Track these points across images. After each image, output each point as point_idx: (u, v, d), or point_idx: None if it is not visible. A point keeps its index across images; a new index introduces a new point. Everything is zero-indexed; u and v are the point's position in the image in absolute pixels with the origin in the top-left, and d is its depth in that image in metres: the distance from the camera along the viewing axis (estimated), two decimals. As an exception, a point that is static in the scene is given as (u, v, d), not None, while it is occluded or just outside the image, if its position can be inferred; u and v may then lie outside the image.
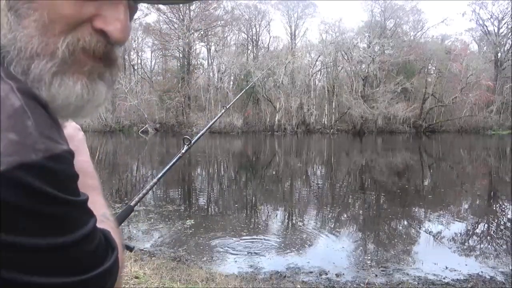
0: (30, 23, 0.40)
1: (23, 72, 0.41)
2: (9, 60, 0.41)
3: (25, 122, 0.35)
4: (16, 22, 0.40)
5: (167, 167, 1.24)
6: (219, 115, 1.92)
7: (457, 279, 4.57)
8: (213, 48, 43.84)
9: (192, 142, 1.34)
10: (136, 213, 7.51)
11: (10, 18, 0.40)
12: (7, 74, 0.38)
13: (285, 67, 38.36)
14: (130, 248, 1.03)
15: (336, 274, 4.67)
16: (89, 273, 0.40)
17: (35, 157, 0.35)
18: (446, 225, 7.25)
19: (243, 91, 4.24)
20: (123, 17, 0.45)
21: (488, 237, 6.61)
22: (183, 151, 1.31)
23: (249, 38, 46.63)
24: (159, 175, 1.23)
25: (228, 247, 5.67)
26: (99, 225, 0.44)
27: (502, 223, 7.64)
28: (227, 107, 2.07)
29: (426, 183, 12.71)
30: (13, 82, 0.37)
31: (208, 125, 1.68)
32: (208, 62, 44.02)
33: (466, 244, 6.12)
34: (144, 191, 1.15)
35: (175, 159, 1.26)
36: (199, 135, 1.49)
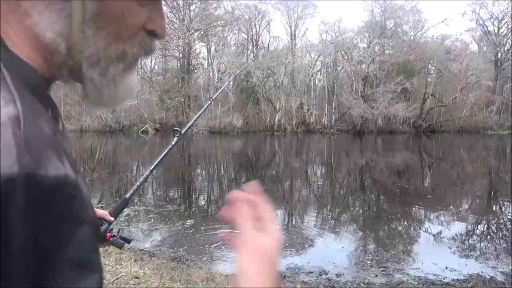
0: (108, 34, 0.47)
1: (101, 74, 0.49)
2: (91, 66, 0.48)
3: (14, 131, 0.34)
4: (96, 33, 0.46)
5: (159, 158, 1.32)
6: (205, 106, 1.97)
7: (457, 279, 4.56)
8: (213, 48, 43.90)
9: (182, 132, 1.40)
10: (136, 213, 7.51)
11: (92, 30, 0.46)
12: (18, 85, 0.39)
13: (285, 67, 38.37)
14: (127, 241, 1.04)
15: (336, 274, 4.67)
16: None
17: (15, 170, 0.33)
18: (446, 225, 7.25)
19: (226, 84, 4.25)
20: (163, 15, 0.52)
21: (488, 237, 6.61)
22: (173, 142, 1.36)
23: (249, 38, 46.68)
24: (151, 167, 1.30)
25: (228, 247, 5.66)
26: None
27: (502, 223, 7.64)
28: (213, 98, 2.16)
29: (426, 183, 12.71)
30: (18, 93, 0.37)
31: (195, 117, 1.76)
32: (208, 62, 44.07)
33: (466, 244, 6.12)
34: (138, 183, 1.21)
35: (167, 150, 1.33)
36: (187, 126, 1.55)
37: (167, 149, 1.33)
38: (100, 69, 0.48)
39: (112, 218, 1.00)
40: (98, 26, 0.46)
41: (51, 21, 0.44)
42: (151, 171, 1.30)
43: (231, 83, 42.27)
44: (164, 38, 0.52)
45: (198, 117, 1.83)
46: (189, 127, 1.58)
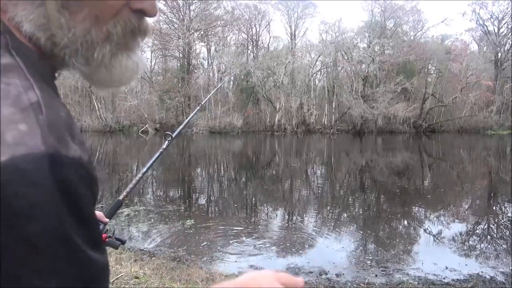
0: (84, 18, 0.45)
1: (87, 61, 0.48)
2: (71, 54, 0.46)
3: (38, 116, 0.37)
4: (71, 19, 0.44)
5: (151, 162, 1.34)
6: (194, 111, 2.01)
7: (457, 279, 4.56)
8: (213, 48, 43.87)
9: (173, 136, 1.43)
10: (136, 213, 7.51)
11: (65, 17, 0.44)
12: (32, 72, 0.41)
13: (285, 67, 38.35)
14: (122, 241, 1.05)
15: (336, 274, 4.67)
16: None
17: (42, 149, 0.36)
18: (446, 225, 7.25)
19: (213, 91, 4.20)
20: None
21: (488, 237, 6.61)
22: (164, 146, 1.39)
23: (249, 38, 46.64)
24: (143, 170, 1.34)
25: (228, 247, 5.67)
26: None
27: (502, 223, 7.64)
28: (202, 103, 2.19)
29: (426, 183, 12.71)
30: (34, 80, 0.40)
31: (185, 121, 1.80)
32: (208, 62, 44.04)
33: (466, 244, 6.12)
34: (131, 185, 1.24)
35: (158, 154, 1.37)
36: (177, 131, 1.60)
37: (159, 152, 1.37)
38: (83, 56, 0.47)
39: (107, 220, 1.00)
40: (72, 11, 0.44)
41: (26, 13, 0.43)
42: (143, 173, 1.34)
43: (231, 83, 42.28)
44: (155, 15, 0.51)
45: (188, 121, 1.87)
46: (179, 132, 1.61)
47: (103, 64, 0.48)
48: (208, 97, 2.81)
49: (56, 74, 0.51)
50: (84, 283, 0.38)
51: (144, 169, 1.34)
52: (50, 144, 0.36)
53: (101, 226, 0.94)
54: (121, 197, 1.19)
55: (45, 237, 0.35)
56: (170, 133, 1.42)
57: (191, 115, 1.92)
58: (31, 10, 0.43)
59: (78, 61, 0.47)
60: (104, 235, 0.94)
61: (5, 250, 0.33)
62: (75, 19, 0.44)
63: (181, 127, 1.67)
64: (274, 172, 14.99)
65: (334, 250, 5.63)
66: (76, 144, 0.40)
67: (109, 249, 1.08)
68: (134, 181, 1.28)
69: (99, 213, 0.96)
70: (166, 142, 1.40)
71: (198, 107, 2.08)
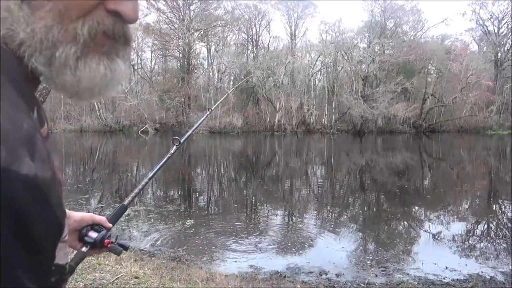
0: (46, 14, 0.41)
1: (47, 61, 0.43)
2: (30, 53, 0.41)
3: None
4: (31, 14, 0.41)
5: (158, 166, 1.32)
6: (204, 117, 1.96)
7: (457, 279, 4.56)
8: (213, 48, 43.89)
9: (182, 141, 1.38)
10: (136, 213, 7.51)
11: (25, 12, 0.40)
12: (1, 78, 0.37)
13: (285, 67, 38.34)
14: (125, 248, 1.05)
15: (336, 274, 4.67)
16: None
17: None
18: (446, 225, 7.25)
19: (226, 95, 4.19)
20: None
21: (488, 237, 6.61)
22: (172, 151, 1.36)
23: (249, 38, 46.64)
24: (150, 175, 1.30)
25: (228, 247, 5.67)
26: None
27: (502, 223, 7.64)
28: (212, 109, 2.12)
29: (426, 183, 12.71)
30: None
31: (194, 127, 1.74)
32: (208, 62, 44.06)
33: (466, 244, 6.12)
34: (136, 190, 1.21)
35: (165, 159, 1.34)
36: (186, 136, 1.55)
37: (166, 157, 1.34)
38: (44, 55, 0.42)
39: (110, 225, 1.00)
40: (34, 5, 0.40)
41: None
42: (150, 178, 1.30)
43: (231, 83, 42.27)
44: (134, 21, 0.47)
45: (198, 126, 1.82)
46: (188, 137, 1.58)
47: (68, 66, 0.44)
48: (218, 103, 2.78)
49: (41, 78, 0.47)
50: None
51: (151, 174, 1.31)
52: (1, 158, 0.33)
53: (104, 232, 0.93)
54: (126, 202, 1.16)
55: None
56: (178, 138, 1.38)
57: (201, 120, 1.85)
58: None
59: (38, 60, 0.42)
60: (106, 241, 0.93)
61: None
62: (35, 14, 0.41)
63: (190, 132, 1.63)
64: (274, 172, 14.99)
65: (334, 250, 5.63)
66: (35, 161, 0.36)
67: (125, 252, 1.07)
68: (140, 186, 1.25)
69: (101, 218, 0.95)
70: (174, 147, 1.37)
71: (208, 112, 2.01)
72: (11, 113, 0.36)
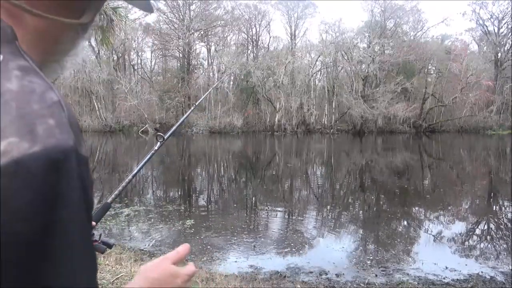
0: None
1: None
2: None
3: (61, 113, 0.39)
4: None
5: (142, 164, 1.33)
6: (188, 112, 1.98)
7: (457, 279, 4.56)
8: (213, 48, 43.88)
9: (165, 137, 1.41)
10: (136, 213, 7.51)
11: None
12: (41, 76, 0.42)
13: (285, 67, 38.34)
14: (109, 246, 1.04)
15: (336, 274, 4.67)
16: None
17: (71, 143, 0.38)
18: (446, 225, 7.25)
19: (211, 88, 4.17)
20: None
21: (488, 237, 6.61)
22: (156, 147, 1.37)
23: (249, 38, 46.62)
24: (134, 172, 1.31)
25: (228, 247, 5.67)
26: None
27: (502, 223, 7.64)
28: (196, 104, 2.18)
29: (426, 183, 12.70)
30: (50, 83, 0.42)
31: (178, 122, 1.77)
32: (208, 62, 44.06)
33: (466, 244, 6.12)
34: (120, 188, 1.21)
35: (149, 156, 1.35)
36: (170, 132, 1.58)
37: (150, 154, 1.36)
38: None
39: (94, 223, 0.99)
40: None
41: None
42: (133, 176, 1.31)
43: (231, 83, 42.30)
44: None
45: (181, 123, 1.84)
46: (172, 133, 1.60)
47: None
48: (201, 98, 2.79)
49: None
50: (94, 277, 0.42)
51: (134, 171, 1.32)
52: (74, 140, 0.39)
53: None
54: (109, 200, 1.16)
55: (71, 224, 0.38)
56: (162, 134, 1.40)
57: (184, 116, 1.89)
58: None
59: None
60: None
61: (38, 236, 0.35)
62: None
63: (173, 128, 1.65)
64: (274, 172, 14.99)
65: (334, 250, 5.63)
66: (82, 144, 0.43)
67: (108, 250, 1.07)
68: (124, 184, 1.25)
69: None
70: (158, 143, 1.39)
71: (192, 108, 2.07)
72: (67, 105, 0.41)
